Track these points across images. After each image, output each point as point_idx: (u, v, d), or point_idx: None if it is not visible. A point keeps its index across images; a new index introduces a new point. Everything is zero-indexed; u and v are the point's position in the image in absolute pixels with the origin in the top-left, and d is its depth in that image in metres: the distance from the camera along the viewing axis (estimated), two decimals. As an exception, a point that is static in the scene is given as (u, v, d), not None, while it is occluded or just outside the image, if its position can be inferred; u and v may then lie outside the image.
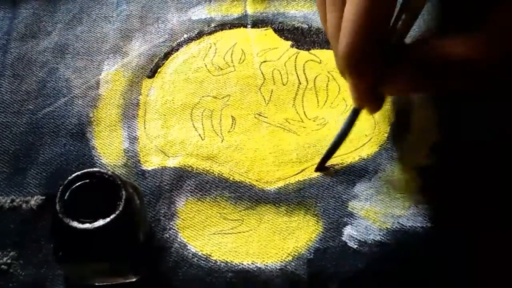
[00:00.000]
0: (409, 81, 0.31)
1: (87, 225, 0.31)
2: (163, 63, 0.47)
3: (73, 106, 0.45)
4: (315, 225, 0.40)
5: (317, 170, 0.42)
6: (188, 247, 0.39)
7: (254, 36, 0.49)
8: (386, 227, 0.40)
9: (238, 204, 0.41)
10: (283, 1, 0.51)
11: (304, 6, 0.51)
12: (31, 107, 0.44)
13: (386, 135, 0.44)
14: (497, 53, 0.28)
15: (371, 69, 0.32)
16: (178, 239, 0.40)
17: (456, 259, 0.39)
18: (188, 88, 0.46)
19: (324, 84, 0.47)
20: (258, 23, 0.50)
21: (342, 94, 0.46)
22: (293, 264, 0.39)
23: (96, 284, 0.37)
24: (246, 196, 0.41)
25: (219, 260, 0.39)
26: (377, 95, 0.34)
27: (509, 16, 0.28)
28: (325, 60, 0.48)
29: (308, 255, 0.39)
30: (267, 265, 0.39)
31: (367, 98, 0.35)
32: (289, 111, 0.45)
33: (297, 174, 0.42)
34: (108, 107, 0.45)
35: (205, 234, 0.40)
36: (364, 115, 0.45)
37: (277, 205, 0.41)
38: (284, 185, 0.42)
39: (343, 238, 0.40)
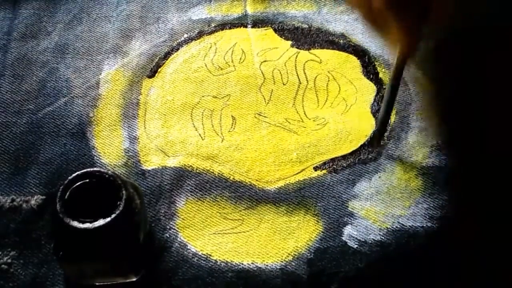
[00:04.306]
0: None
1: (87, 225, 0.31)
2: (163, 63, 0.47)
3: (73, 106, 0.45)
4: (315, 225, 0.40)
5: (373, 148, 0.43)
6: (188, 247, 0.39)
7: (254, 36, 0.49)
8: (386, 227, 0.40)
9: (238, 204, 0.41)
10: (283, 1, 0.51)
11: (304, 6, 0.51)
12: (31, 107, 0.44)
13: (385, 135, 0.44)
14: None
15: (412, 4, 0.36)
16: (178, 239, 0.40)
17: (456, 258, 0.39)
18: (188, 88, 0.46)
19: (324, 84, 0.47)
20: (258, 23, 0.50)
21: (342, 94, 0.46)
22: (293, 264, 0.39)
23: (97, 283, 0.37)
24: (246, 196, 0.41)
25: (219, 260, 0.39)
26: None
27: None
28: (325, 60, 0.48)
29: (308, 254, 0.39)
30: (267, 265, 0.39)
31: (415, 36, 0.38)
32: (289, 111, 0.45)
33: (297, 173, 0.42)
34: (108, 107, 0.45)
35: (205, 234, 0.40)
36: (363, 115, 0.45)
37: (277, 204, 0.41)
38: (284, 185, 0.42)
39: (343, 238, 0.40)
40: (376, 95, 0.46)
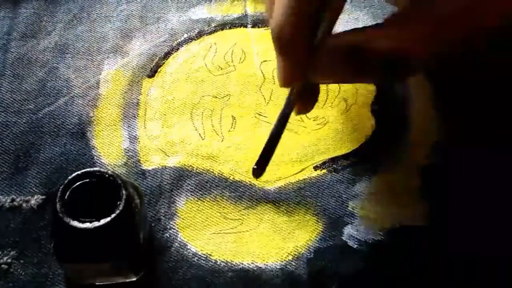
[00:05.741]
0: (329, 68, 0.32)
1: (87, 225, 0.31)
2: (163, 63, 0.47)
3: (73, 106, 0.45)
4: (315, 225, 0.40)
5: (255, 175, 0.37)
6: (188, 247, 0.39)
7: (255, 36, 0.49)
8: (386, 227, 0.40)
9: (238, 204, 0.41)
10: (283, 0, 0.51)
11: (304, 5, 0.51)
12: (31, 106, 0.44)
13: (386, 135, 0.44)
14: (431, 38, 0.28)
15: (299, 48, 0.32)
16: (178, 239, 0.40)
17: (456, 258, 0.39)
18: (188, 88, 0.46)
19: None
20: (259, 22, 0.50)
21: (342, 93, 0.46)
22: (293, 263, 0.39)
23: (97, 283, 0.37)
24: (246, 195, 0.41)
25: (219, 259, 0.39)
26: (306, 80, 0.34)
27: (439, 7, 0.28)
28: (325, 60, 0.48)
29: (308, 254, 0.39)
30: (267, 265, 0.39)
31: (292, 77, 0.34)
32: (289, 111, 0.45)
33: (297, 173, 0.42)
34: (108, 107, 0.45)
35: (205, 233, 0.40)
36: (363, 115, 0.45)
37: (277, 204, 0.41)
38: (284, 185, 0.42)
39: (343, 238, 0.40)
40: (376, 95, 0.46)
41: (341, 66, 0.31)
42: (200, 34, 0.49)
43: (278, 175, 0.42)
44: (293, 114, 0.45)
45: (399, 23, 0.29)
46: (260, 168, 0.37)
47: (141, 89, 0.46)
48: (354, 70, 0.31)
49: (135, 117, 0.45)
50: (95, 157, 0.42)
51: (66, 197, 0.32)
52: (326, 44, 0.32)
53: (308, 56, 0.32)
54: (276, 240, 0.40)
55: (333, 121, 0.45)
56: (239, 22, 0.50)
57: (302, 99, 0.36)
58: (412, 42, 0.28)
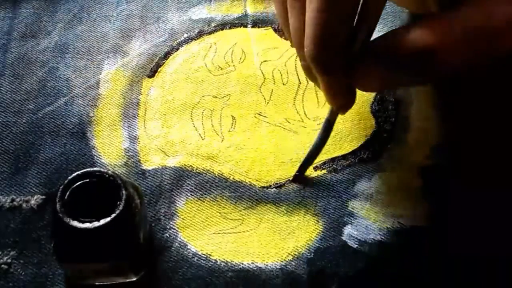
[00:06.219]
0: (375, 75, 0.32)
1: (87, 225, 0.31)
2: (163, 63, 0.47)
3: (73, 106, 0.45)
4: (315, 225, 0.40)
5: (293, 181, 0.42)
6: (188, 247, 0.39)
7: (255, 36, 0.49)
8: (386, 227, 0.40)
9: (238, 204, 0.41)
10: (283, 0, 0.51)
11: (304, 5, 0.51)
12: (31, 106, 0.44)
13: (386, 135, 0.44)
14: (458, 42, 0.28)
15: (341, 66, 0.33)
16: (178, 239, 0.40)
17: (456, 259, 0.39)
18: (188, 88, 0.46)
19: (324, 84, 0.47)
20: (259, 22, 0.50)
21: (342, 93, 0.46)
22: (293, 263, 0.39)
23: (97, 283, 0.37)
24: (246, 195, 0.41)
25: (219, 259, 0.39)
26: (350, 91, 0.36)
27: (475, 8, 0.28)
28: (325, 60, 0.48)
29: (308, 254, 0.39)
30: (267, 265, 0.39)
31: (342, 95, 0.35)
32: (289, 111, 0.45)
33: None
34: (109, 107, 0.45)
35: (205, 233, 0.40)
36: (363, 115, 0.45)
37: (277, 204, 0.41)
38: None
39: (343, 238, 0.40)
40: (376, 95, 0.46)
41: (379, 72, 0.32)
42: (200, 34, 0.49)
43: (278, 176, 0.42)
44: (292, 113, 0.45)
45: (432, 21, 0.29)
46: (302, 173, 0.42)
47: (141, 89, 0.46)
48: (390, 72, 0.31)
49: (135, 117, 0.45)
50: (95, 157, 0.42)
51: (66, 197, 0.32)
52: (366, 53, 0.32)
53: (350, 69, 0.33)
54: (276, 240, 0.40)
55: (333, 121, 0.45)
56: (239, 22, 0.50)
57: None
58: (443, 39, 0.28)
